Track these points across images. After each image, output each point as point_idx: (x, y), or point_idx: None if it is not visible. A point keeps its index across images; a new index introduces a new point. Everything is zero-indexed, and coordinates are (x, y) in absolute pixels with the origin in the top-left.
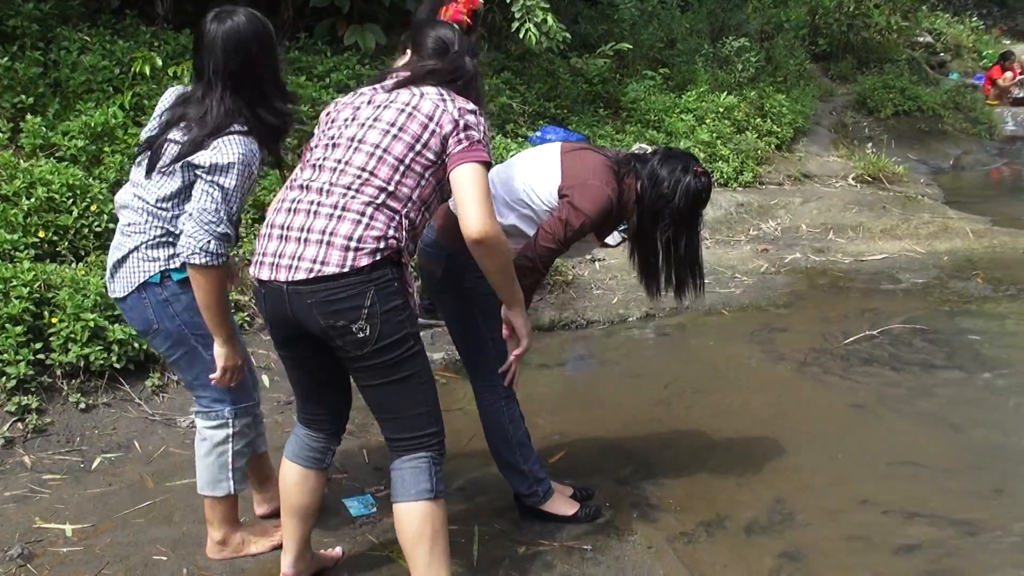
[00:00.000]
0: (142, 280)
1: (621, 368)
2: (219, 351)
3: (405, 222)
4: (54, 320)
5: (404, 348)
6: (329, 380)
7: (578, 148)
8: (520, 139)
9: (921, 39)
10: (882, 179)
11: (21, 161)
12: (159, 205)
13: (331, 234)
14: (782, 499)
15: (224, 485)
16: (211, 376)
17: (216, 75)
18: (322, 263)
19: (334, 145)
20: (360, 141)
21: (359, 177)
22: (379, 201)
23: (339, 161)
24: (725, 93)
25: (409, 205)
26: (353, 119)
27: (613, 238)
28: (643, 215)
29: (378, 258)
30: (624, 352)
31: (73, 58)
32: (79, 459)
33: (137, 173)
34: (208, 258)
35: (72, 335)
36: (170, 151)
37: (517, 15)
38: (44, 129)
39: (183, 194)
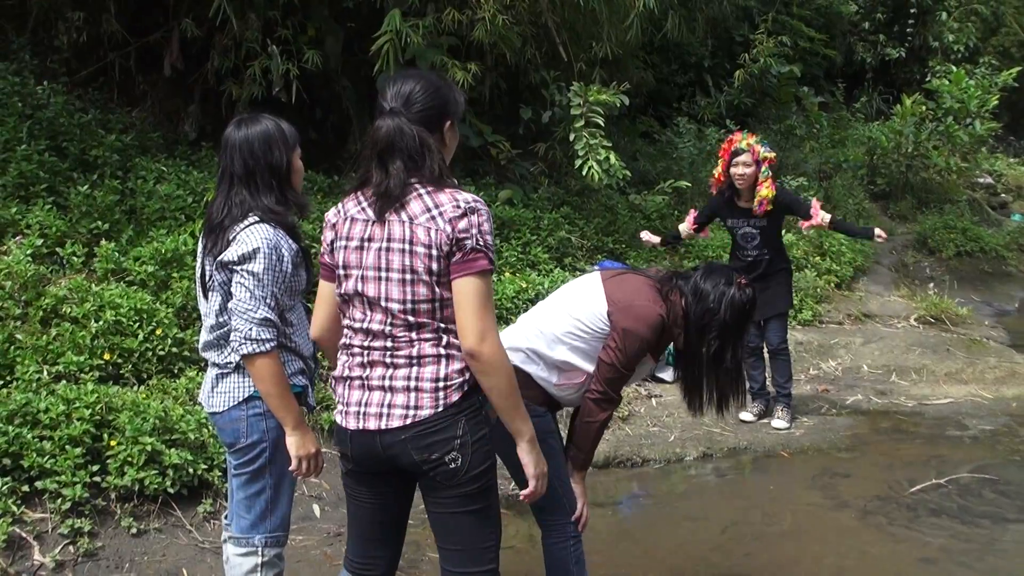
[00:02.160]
0: (247, 395)
1: (677, 510)
2: (289, 440)
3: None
4: (112, 443)
5: (488, 478)
6: (396, 522)
7: (619, 273)
8: (578, 272)
9: (981, 180)
10: (945, 320)
11: (93, 285)
12: (219, 322)
13: (417, 379)
14: None
15: None
16: (290, 468)
17: (224, 174)
18: (415, 408)
19: (363, 279)
20: (387, 297)
21: (409, 322)
22: (442, 339)
23: (380, 299)
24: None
25: (454, 330)
26: (361, 264)
27: (668, 374)
28: (689, 330)
29: (466, 389)
30: (681, 493)
31: (149, 187)
32: None
33: (202, 305)
34: (254, 346)
35: (129, 458)
36: (207, 269)
37: (580, 152)
38: (117, 254)
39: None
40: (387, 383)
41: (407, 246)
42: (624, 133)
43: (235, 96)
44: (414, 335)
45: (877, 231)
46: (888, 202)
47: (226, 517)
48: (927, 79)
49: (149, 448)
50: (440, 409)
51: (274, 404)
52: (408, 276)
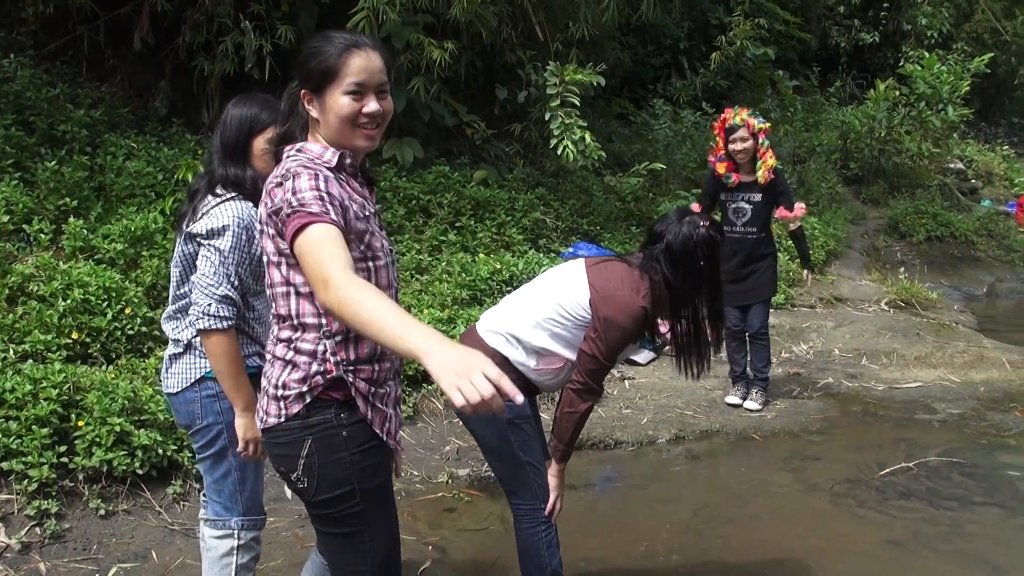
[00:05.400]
0: (199, 376)
1: (650, 492)
2: (238, 422)
3: (329, 344)
4: (80, 423)
5: (346, 504)
6: None
7: (603, 260)
8: (552, 254)
9: (952, 166)
10: (915, 305)
11: (60, 263)
12: (178, 293)
13: (268, 381)
14: None
15: None
16: (237, 449)
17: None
18: (265, 412)
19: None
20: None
21: (279, 313)
22: (294, 341)
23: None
24: None
25: (323, 323)
26: None
27: (643, 356)
28: (675, 299)
29: (308, 401)
30: (653, 475)
31: (119, 163)
32: (95, 568)
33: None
34: (212, 321)
35: (97, 439)
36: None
37: (555, 132)
38: (85, 232)
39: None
40: (263, 380)
41: (260, 224)
42: (599, 114)
43: (207, 72)
44: (276, 328)
45: (805, 273)
46: (860, 186)
47: (203, 499)
48: (900, 64)
49: (118, 429)
50: (283, 420)
51: (226, 384)
52: (266, 258)
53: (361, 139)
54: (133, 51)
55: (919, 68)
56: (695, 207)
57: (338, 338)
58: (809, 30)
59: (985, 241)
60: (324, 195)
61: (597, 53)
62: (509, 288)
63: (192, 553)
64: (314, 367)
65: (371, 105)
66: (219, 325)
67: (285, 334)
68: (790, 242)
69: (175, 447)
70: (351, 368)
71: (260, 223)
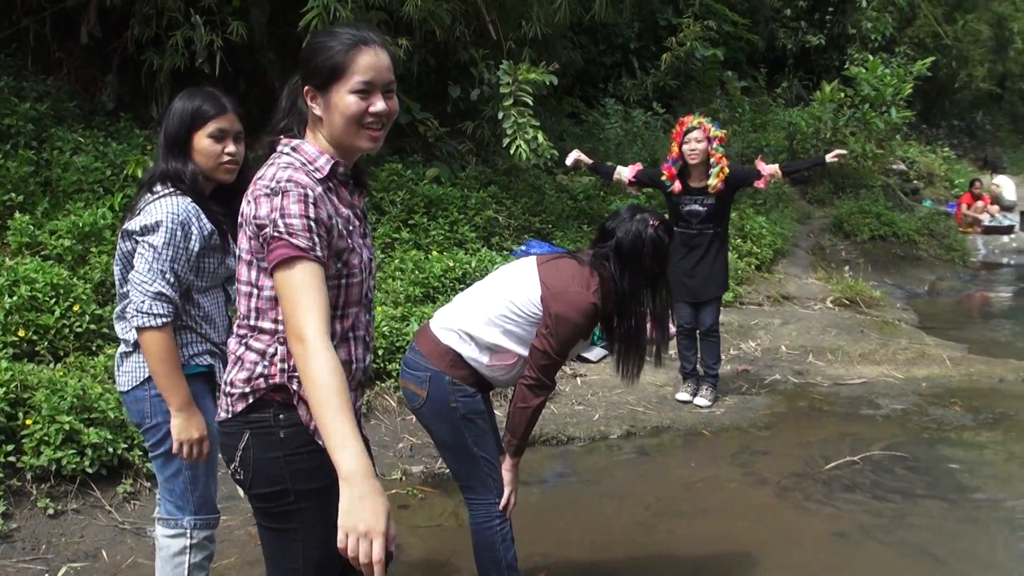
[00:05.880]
0: (148, 375)
1: (602, 487)
2: (173, 421)
3: (280, 350)
4: (28, 421)
5: (281, 502)
6: None
7: (554, 258)
8: (505, 252)
9: (895, 167)
10: (859, 303)
11: (6, 259)
12: (123, 292)
13: (222, 378)
14: None
15: None
16: (172, 450)
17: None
18: (218, 408)
19: None
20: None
21: (241, 310)
22: (247, 337)
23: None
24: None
25: (279, 330)
26: None
27: (594, 354)
28: (623, 295)
29: (251, 401)
30: (605, 470)
31: (66, 158)
32: (44, 568)
33: None
34: (145, 319)
35: (46, 437)
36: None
37: (508, 131)
38: (32, 227)
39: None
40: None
41: (240, 217)
42: (551, 113)
43: (156, 66)
44: (235, 325)
45: (831, 156)
46: (806, 186)
47: (159, 497)
48: (845, 67)
49: (67, 427)
50: (230, 416)
51: (160, 383)
52: (238, 253)
53: (365, 140)
54: (80, 44)
55: (863, 71)
56: (632, 169)
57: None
58: (757, 32)
59: (927, 241)
60: (311, 224)
61: (549, 52)
62: (462, 286)
63: (143, 552)
64: (259, 368)
65: (378, 105)
66: (153, 323)
67: (242, 331)
68: (738, 240)
69: (125, 446)
70: (295, 375)
71: (240, 217)
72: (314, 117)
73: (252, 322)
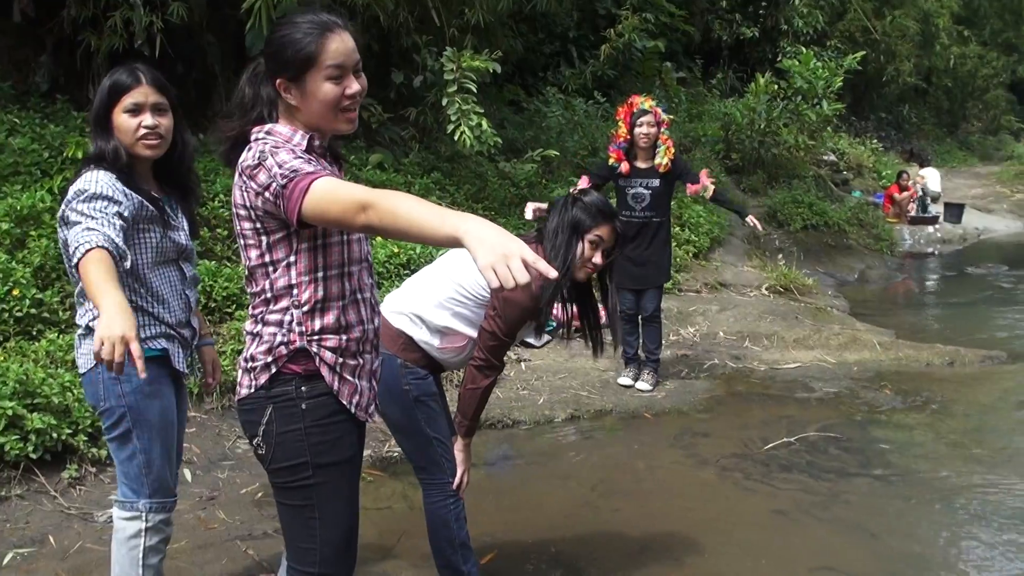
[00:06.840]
0: None
1: (548, 469)
2: (99, 321)
3: (296, 315)
4: None
5: (298, 476)
6: None
7: None
8: None
9: (826, 158)
10: (793, 290)
11: None
12: (75, 279)
13: (242, 355)
14: None
15: None
16: (94, 348)
17: None
18: (239, 385)
19: None
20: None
21: (253, 290)
22: (263, 313)
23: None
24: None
25: (294, 293)
26: None
27: (539, 339)
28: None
29: (274, 371)
30: (550, 453)
31: (1, 140)
32: None
33: None
34: (80, 250)
35: None
36: None
37: (453, 118)
38: None
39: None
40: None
41: (235, 208)
42: (492, 100)
43: (94, 47)
44: (251, 306)
45: (750, 219)
46: (741, 176)
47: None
48: (778, 59)
49: (10, 412)
50: (252, 391)
51: (89, 291)
52: (242, 241)
53: (344, 123)
54: (12, 23)
55: (796, 63)
56: (583, 180)
57: (305, 308)
58: (693, 23)
59: (856, 230)
60: (309, 160)
61: (491, 40)
62: (407, 271)
63: (91, 537)
64: (279, 338)
65: (352, 86)
66: (85, 247)
67: (257, 310)
68: (676, 228)
69: (70, 431)
70: (315, 338)
71: (234, 206)
72: (288, 106)
73: (269, 295)
